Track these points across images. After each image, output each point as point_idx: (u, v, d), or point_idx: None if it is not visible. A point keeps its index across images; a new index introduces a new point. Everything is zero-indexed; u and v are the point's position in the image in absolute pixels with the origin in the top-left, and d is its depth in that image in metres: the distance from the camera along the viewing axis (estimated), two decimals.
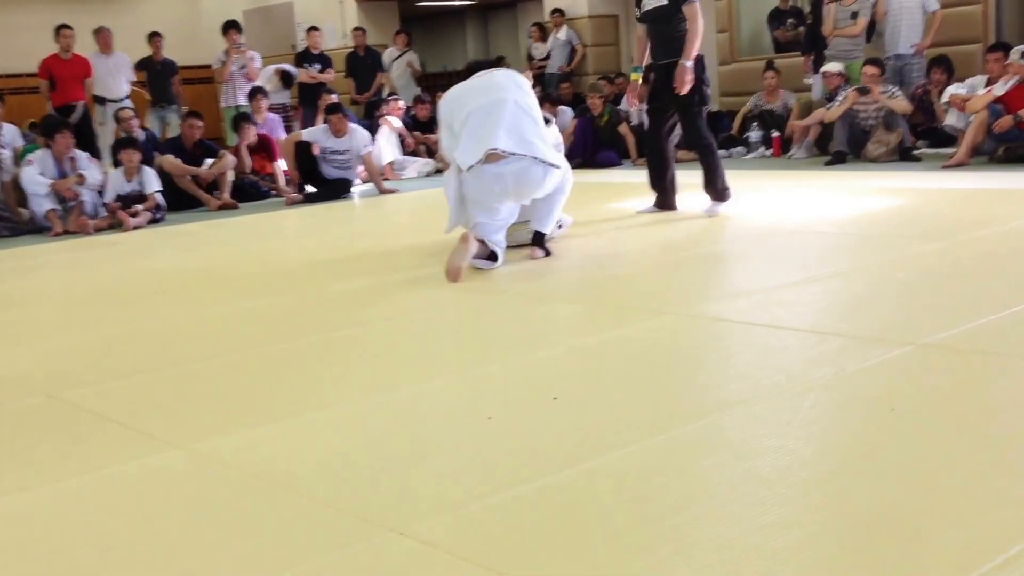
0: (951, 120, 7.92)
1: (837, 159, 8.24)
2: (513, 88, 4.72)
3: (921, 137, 8.49)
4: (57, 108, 9.59)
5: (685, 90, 5.74)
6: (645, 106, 6.57)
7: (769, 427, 2.40)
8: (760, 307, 3.62)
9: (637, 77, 6.35)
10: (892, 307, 3.51)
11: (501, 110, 4.58)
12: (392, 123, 10.34)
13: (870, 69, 8.28)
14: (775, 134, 9.21)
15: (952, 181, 6.72)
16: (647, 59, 6.13)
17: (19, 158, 8.39)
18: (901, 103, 8.20)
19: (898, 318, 3.34)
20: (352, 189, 8.86)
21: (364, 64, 11.89)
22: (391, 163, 10.08)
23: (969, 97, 7.66)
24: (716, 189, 5.89)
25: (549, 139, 4.85)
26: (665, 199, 6.09)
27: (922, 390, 2.61)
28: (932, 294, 3.68)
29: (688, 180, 6.22)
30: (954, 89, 7.94)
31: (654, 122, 6.15)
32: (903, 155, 8.07)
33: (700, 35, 5.77)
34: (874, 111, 8.30)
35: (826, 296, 3.76)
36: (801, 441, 2.30)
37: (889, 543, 1.79)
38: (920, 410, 2.45)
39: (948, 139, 8.08)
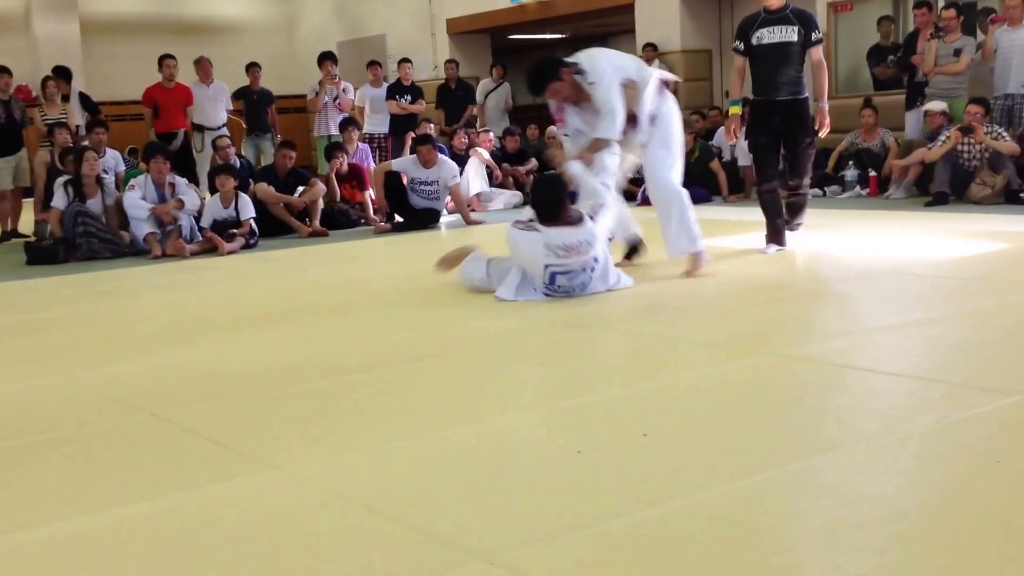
0: None
1: (938, 200, 8.01)
2: None
3: None
4: (159, 135, 9.92)
5: (827, 131, 5.93)
6: (740, 141, 6.54)
7: (868, 474, 2.34)
8: (858, 350, 3.53)
9: (738, 110, 6.13)
10: (997, 355, 3.39)
11: None
12: (481, 155, 10.42)
13: (974, 108, 8.06)
14: (872, 173, 9.01)
15: None
16: (741, 92, 6.09)
17: (122, 183, 8.67)
18: (1008, 144, 7.95)
19: (1004, 366, 3.22)
20: (440, 220, 8.95)
21: (455, 96, 12.05)
22: (478, 194, 10.15)
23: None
24: (799, 219, 6.06)
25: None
26: (777, 235, 5.98)
27: None
28: None
29: (749, 218, 6.11)
30: None
31: (769, 160, 6.02)
32: (1009, 198, 7.80)
33: None
34: (978, 152, 8.06)
35: (927, 341, 3.64)
36: (901, 489, 2.24)
37: None
38: None
39: None
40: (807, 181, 6.08)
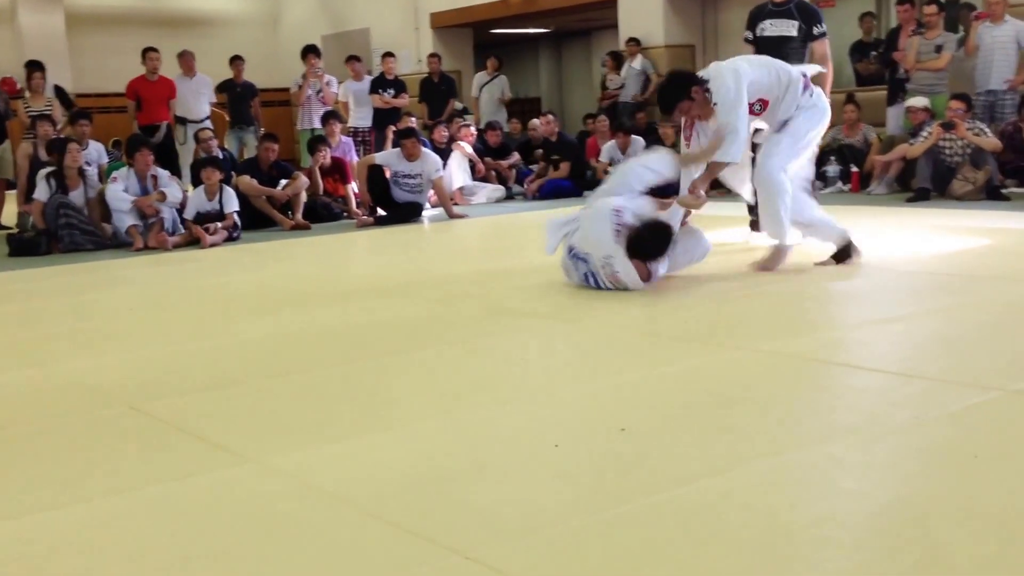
0: None
1: (920, 196, 8.05)
2: None
3: (1010, 176, 8.25)
4: (142, 128, 9.86)
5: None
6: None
7: (846, 469, 2.35)
8: (837, 345, 3.55)
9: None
10: (978, 351, 3.41)
11: None
12: (464, 148, 10.41)
13: (956, 104, 8.10)
14: (854, 169, 9.05)
15: None
16: None
17: (104, 175, 8.62)
18: (990, 141, 7.99)
19: (984, 362, 3.23)
20: (422, 213, 8.93)
21: (438, 90, 12.02)
22: (461, 188, 10.14)
23: None
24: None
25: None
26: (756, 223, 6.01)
27: (1008, 438, 2.52)
28: (1020, 338, 3.56)
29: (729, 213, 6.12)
30: None
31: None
32: (991, 194, 7.84)
33: None
34: (960, 148, 8.10)
35: (907, 337, 3.66)
36: (879, 485, 2.25)
37: None
38: (1005, 458, 2.37)
39: None
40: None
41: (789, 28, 5.84)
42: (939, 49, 8.84)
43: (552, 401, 3.07)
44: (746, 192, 5.21)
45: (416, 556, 2.00)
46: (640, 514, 2.13)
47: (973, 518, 2.04)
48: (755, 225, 5.94)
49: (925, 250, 5.60)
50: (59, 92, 10.10)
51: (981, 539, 1.95)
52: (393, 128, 10.33)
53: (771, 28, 5.86)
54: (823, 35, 5.91)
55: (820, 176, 9.24)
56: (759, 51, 5.86)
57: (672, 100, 4.79)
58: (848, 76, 10.79)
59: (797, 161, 4.96)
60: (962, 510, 2.09)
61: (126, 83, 10.18)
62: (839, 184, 9.14)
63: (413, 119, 10.44)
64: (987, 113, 8.60)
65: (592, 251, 4.58)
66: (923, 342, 3.58)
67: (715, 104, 4.69)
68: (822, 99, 4.93)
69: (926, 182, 8.12)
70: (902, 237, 6.12)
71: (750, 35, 5.99)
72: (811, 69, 5.05)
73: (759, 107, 4.78)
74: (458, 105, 12.49)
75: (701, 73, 4.86)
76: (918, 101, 8.65)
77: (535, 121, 11.31)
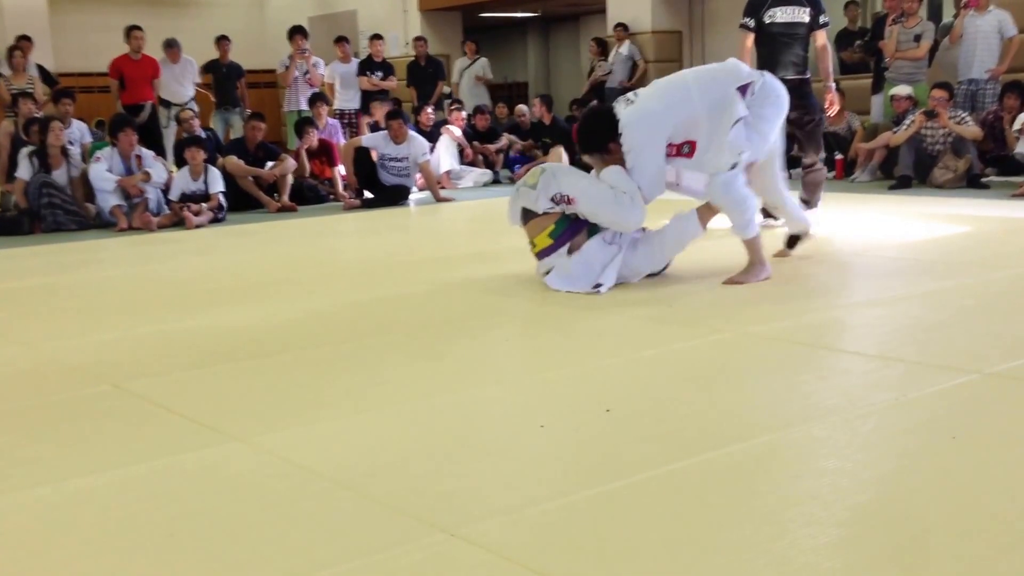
0: (1022, 148, 7.74)
1: (902, 184, 8.11)
2: None
3: (990, 164, 8.31)
4: (126, 107, 9.80)
5: (837, 108, 6.14)
6: None
7: (828, 449, 2.37)
8: (821, 329, 3.57)
9: None
10: (957, 334, 3.44)
11: None
12: (452, 132, 10.39)
13: (938, 93, 8.14)
14: (838, 156, 9.08)
15: (1021, 210, 6.58)
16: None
17: (88, 155, 8.57)
18: (971, 129, 8.04)
19: (963, 346, 3.27)
20: (409, 196, 8.92)
21: (425, 73, 11.98)
22: (448, 172, 10.13)
23: None
24: (817, 199, 6.09)
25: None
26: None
27: (985, 419, 2.56)
28: (998, 323, 3.59)
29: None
30: None
31: None
32: (971, 182, 7.91)
33: None
34: (942, 136, 8.15)
35: (889, 321, 3.69)
36: (860, 464, 2.27)
37: (945, 571, 1.77)
38: (982, 439, 2.41)
39: (1018, 167, 7.89)
40: (821, 156, 6.15)
41: (801, 15, 5.85)
42: (918, 38, 8.88)
43: (538, 382, 3.08)
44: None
45: (402, 534, 2.00)
46: (625, 493, 2.15)
47: (952, 497, 2.07)
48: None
49: (906, 237, 5.64)
50: (41, 71, 10.01)
51: (960, 517, 1.97)
52: (377, 104, 10.26)
53: (782, 15, 5.82)
54: (826, 24, 5.93)
55: (796, 162, 9.28)
56: (765, 39, 5.85)
57: (592, 148, 4.43)
58: (833, 64, 10.82)
59: (755, 149, 4.36)
60: (941, 489, 2.11)
61: (109, 62, 10.10)
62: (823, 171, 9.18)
63: (386, 103, 10.32)
64: (968, 102, 8.65)
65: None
66: (903, 326, 3.61)
67: (627, 151, 4.31)
68: (772, 89, 4.40)
69: (908, 170, 8.18)
70: (884, 224, 6.17)
71: (751, 22, 5.89)
72: (744, 76, 4.38)
73: (688, 148, 4.32)
74: (445, 89, 12.45)
75: (618, 113, 4.34)
76: (902, 89, 8.70)
77: (522, 107, 11.30)
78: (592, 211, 4.34)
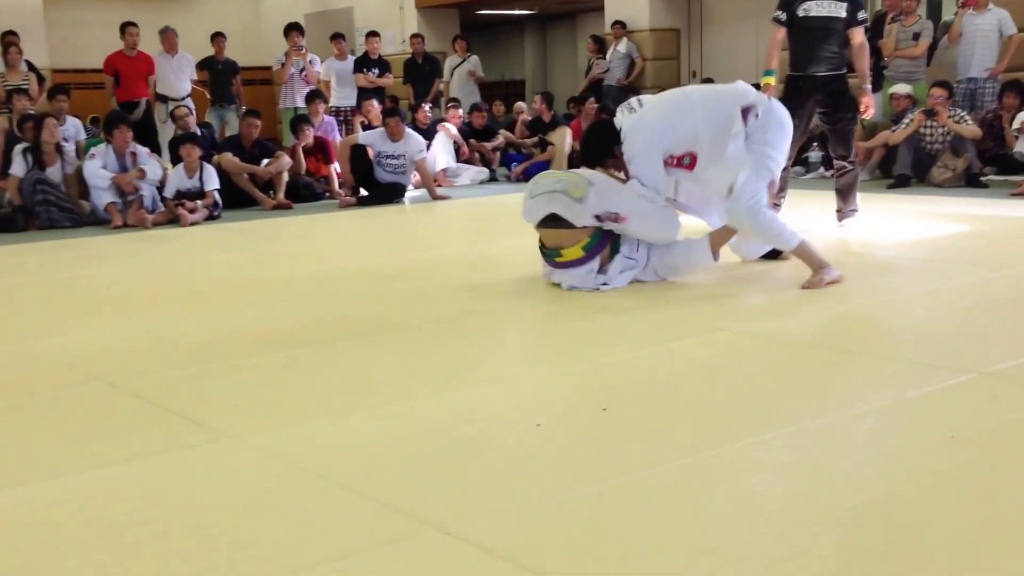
0: (1021, 147, 7.72)
1: (900, 183, 8.08)
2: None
3: (989, 163, 8.28)
4: (121, 104, 9.75)
5: (872, 112, 5.96)
6: None
7: (824, 448, 2.36)
8: (818, 328, 3.56)
9: (771, 80, 5.53)
10: (955, 334, 3.44)
11: None
12: (449, 130, 10.36)
13: (937, 92, 8.12)
14: None
15: (1020, 209, 6.56)
16: (776, 64, 5.69)
17: (82, 152, 8.54)
18: (970, 128, 8.02)
19: (961, 345, 3.26)
20: (405, 194, 8.89)
21: (422, 71, 11.95)
22: (444, 170, 10.11)
23: None
24: (853, 203, 5.92)
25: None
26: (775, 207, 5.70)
27: (984, 419, 2.55)
28: (996, 323, 3.59)
29: None
30: None
31: (795, 140, 5.38)
32: (970, 181, 7.89)
33: None
34: (941, 135, 8.14)
35: (887, 320, 3.68)
36: (858, 464, 2.26)
37: (942, 570, 1.76)
38: (981, 439, 2.40)
39: (1017, 166, 7.87)
40: (853, 156, 5.92)
41: (838, 9, 5.57)
42: (916, 37, 8.86)
43: (533, 381, 3.07)
44: (715, 220, 4.62)
45: (397, 532, 1.99)
46: (621, 492, 2.14)
47: (950, 497, 2.06)
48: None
49: (905, 236, 5.63)
50: (30, 67, 9.96)
51: (958, 517, 1.96)
52: (374, 102, 10.21)
53: (817, 9, 5.58)
54: (864, 22, 5.72)
55: (802, 162, 9.27)
56: (799, 34, 5.61)
57: (598, 160, 4.46)
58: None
59: (771, 175, 4.38)
60: (939, 489, 2.10)
61: (104, 59, 10.05)
62: (821, 170, 9.16)
63: (375, 103, 10.26)
64: (968, 101, 8.64)
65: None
66: (902, 325, 3.60)
67: (628, 160, 4.33)
68: (774, 114, 4.36)
69: (907, 169, 8.16)
70: (882, 223, 6.15)
71: (783, 16, 5.64)
72: (750, 98, 4.34)
73: (688, 161, 4.32)
74: (441, 87, 12.42)
75: (619, 122, 4.36)
76: (901, 88, 8.68)
77: (521, 104, 11.27)
78: (642, 229, 4.32)
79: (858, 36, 5.71)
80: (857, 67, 5.84)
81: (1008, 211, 6.51)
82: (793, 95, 5.62)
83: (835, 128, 5.84)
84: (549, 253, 4.43)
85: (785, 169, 5.62)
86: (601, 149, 4.45)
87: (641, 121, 4.30)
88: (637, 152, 4.28)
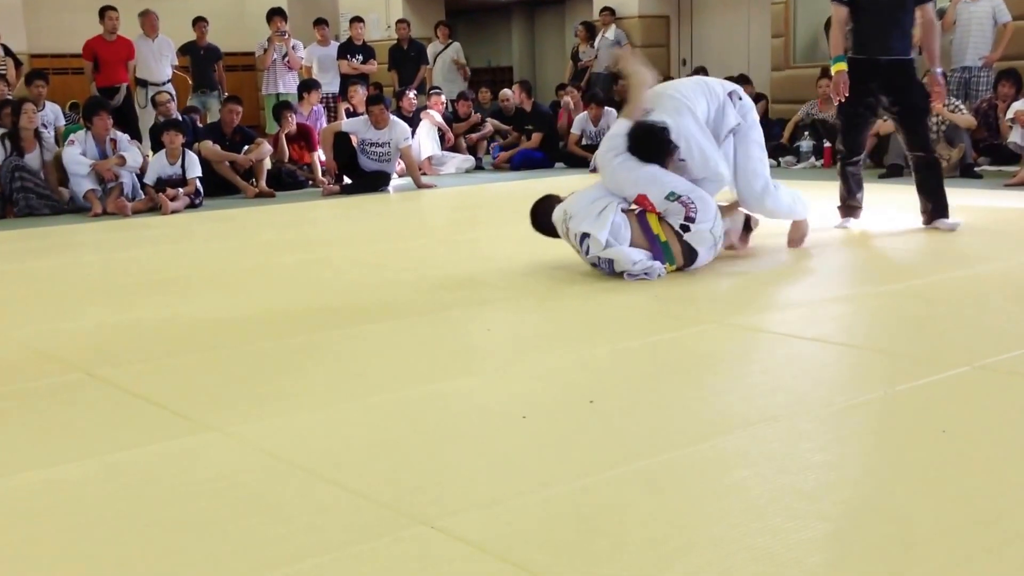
0: (1015, 137, 7.62)
1: (893, 172, 8.04)
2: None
3: (984, 153, 8.25)
4: (101, 90, 9.65)
5: (942, 101, 5.68)
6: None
7: (814, 442, 2.33)
8: (808, 320, 3.53)
9: (843, 67, 5.21)
10: (947, 327, 3.41)
11: None
12: (432, 117, 10.28)
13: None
14: (827, 144, 9.03)
15: (1014, 200, 6.53)
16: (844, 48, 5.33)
17: (61, 138, 8.43)
18: (965, 118, 7.98)
19: (953, 338, 3.24)
20: (389, 182, 8.81)
21: (408, 57, 11.86)
22: (430, 158, 10.03)
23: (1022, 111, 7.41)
24: (943, 202, 5.34)
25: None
26: (855, 209, 5.54)
27: (975, 413, 2.52)
28: (989, 315, 3.57)
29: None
30: (1020, 105, 7.59)
31: (859, 125, 5.39)
32: (964, 171, 7.84)
33: None
34: (935, 124, 8.08)
35: (878, 313, 3.65)
36: (847, 458, 2.23)
37: (932, 565, 1.73)
38: (972, 433, 2.37)
39: (1012, 157, 7.83)
40: (933, 150, 5.48)
41: None
42: None
43: (520, 373, 3.03)
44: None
45: (381, 526, 1.96)
46: (607, 486, 2.11)
47: (940, 492, 2.03)
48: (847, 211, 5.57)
49: (897, 227, 5.59)
50: (7, 52, 9.82)
51: (948, 512, 1.94)
52: (358, 89, 10.12)
53: None
54: None
55: (793, 151, 9.24)
56: (864, 14, 5.16)
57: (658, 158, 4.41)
58: (823, 50, 10.76)
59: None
60: (929, 484, 2.08)
61: (83, 43, 9.94)
62: (812, 159, 9.13)
63: (360, 88, 10.17)
64: (962, 90, 8.59)
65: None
66: (893, 318, 3.57)
67: (682, 160, 4.39)
68: (751, 107, 4.64)
69: (899, 158, 8.10)
70: (874, 213, 6.10)
71: None
72: (729, 85, 4.65)
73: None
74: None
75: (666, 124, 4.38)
76: None
77: (507, 91, 11.19)
78: (702, 161, 4.39)
79: (927, 12, 5.23)
80: (926, 47, 5.36)
81: (1002, 202, 6.48)
82: (856, 81, 5.20)
83: (906, 120, 5.28)
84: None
85: (856, 164, 5.45)
86: (659, 156, 4.37)
87: (688, 120, 4.40)
88: (693, 152, 4.39)
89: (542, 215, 4.62)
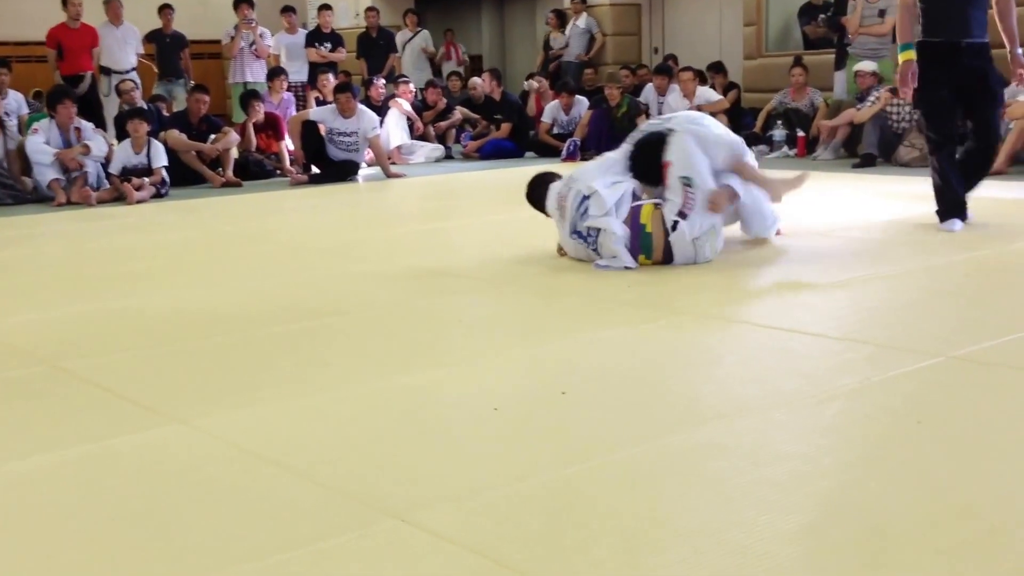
0: None
1: (866, 162, 8.05)
2: None
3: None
4: (65, 78, 9.51)
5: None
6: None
7: (788, 433, 2.32)
8: (782, 311, 3.52)
9: (912, 56, 4.84)
10: (922, 317, 3.40)
11: None
12: (401, 105, 10.19)
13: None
14: (800, 133, 9.04)
15: (988, 190, 6.51)
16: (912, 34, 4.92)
17: (25, 127, 8.29)
18: None
19: (928, 328, 3.23)
20: (358, 172, 8.73)
21: (377, 45, 11.76)
22: (399, 147, 9.94)
23: (1010, 103, 7.37)
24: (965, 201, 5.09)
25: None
26: (961, 206, 5.03)
27: (951, 403, 2.51)
28: (964, 305, 3.57)
29: None
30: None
31: (945, 111, 4.90)
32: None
33: None
34: (907, 114, 8.09)
35: (852, 303, 3.64)
36: (821, 449, 2.22)
37: (908, 557, 1.72)
38: (947, 423, 2.36)
39: None
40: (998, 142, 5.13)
41: None
42: (882, 14, 8.81)
43: (491, 364, 3.00)
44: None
45: (351, 519, 1.93)
46: (580, 479, 2.09)
47: (917, 483, 2.02)
48: None
49: (871, 216, 5.59)
50: None
51: (925, 504, 1.93)
52: (329, 77, 10.02)
53: None
54: None
55: (767, 140, 9.24)
56: (931, 4, 4.79)
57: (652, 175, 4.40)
58: (796, 39, 10.78)
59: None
60: (906, 475, 2.06)
61: (46, 31, 9.76)
62: (785, 148, 9.13)
63: (331, 76, 10.08)
64: None
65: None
66: (868, 308, 3.56)
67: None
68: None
69: (872, 148, 8.14)
70: (848, 203, 6.12)
71: None
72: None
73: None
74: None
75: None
76: (866, 66, 8.62)
77: (476, 79, 11.12)
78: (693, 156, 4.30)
79: None
80: (1004, 28, 4.88)
81: (974, 192, 6.47)
82: (933, 68, 4.80)
83: (983, 108, 4.91)
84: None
85: (952, 154, 5.00)
86: (651, 168, 4.35)
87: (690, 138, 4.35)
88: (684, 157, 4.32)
89: (540, 186, 4.59)
